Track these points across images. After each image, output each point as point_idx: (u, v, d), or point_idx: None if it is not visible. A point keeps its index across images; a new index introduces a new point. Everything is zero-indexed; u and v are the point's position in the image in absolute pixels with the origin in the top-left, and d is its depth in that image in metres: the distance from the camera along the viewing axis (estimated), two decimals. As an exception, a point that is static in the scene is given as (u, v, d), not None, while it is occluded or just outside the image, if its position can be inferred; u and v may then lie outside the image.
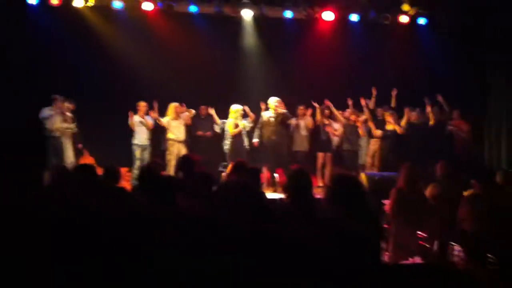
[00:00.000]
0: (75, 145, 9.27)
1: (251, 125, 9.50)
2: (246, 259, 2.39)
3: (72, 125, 9.22)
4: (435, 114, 9.83)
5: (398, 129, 9.48)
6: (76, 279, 2.82)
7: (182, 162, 5.89)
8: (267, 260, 2.42)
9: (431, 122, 9.71)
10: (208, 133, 10.11)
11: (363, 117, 9.89)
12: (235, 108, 9.28)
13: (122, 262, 2.95)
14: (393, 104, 10.20)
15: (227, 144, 9.37)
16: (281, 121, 9.28)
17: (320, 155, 10.02)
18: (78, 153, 9.31)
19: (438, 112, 9.87)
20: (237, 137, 9.23)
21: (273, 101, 9.28)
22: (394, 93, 10.14)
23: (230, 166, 6.25)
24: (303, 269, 2.63)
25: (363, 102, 9.87)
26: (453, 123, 9.95)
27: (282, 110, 9.20)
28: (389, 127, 9.61)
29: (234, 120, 9.23)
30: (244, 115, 9.49)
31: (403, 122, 9.60)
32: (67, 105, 9.24)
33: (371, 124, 9.76)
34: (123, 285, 2.82)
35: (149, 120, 9.43)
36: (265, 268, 2.39)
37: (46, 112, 9.00)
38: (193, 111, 9.90)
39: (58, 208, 3.68)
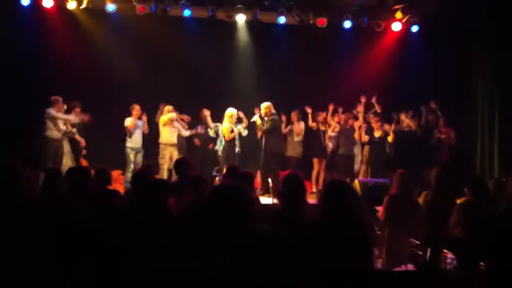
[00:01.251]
0: (75, 149, 9.11)
1: (246, 131, 9.21)
2: (238, 262, 2.39)
3: (74, 129, 9.02)
4: (427, 121, 9.96)
5: (390, 136, 9.53)
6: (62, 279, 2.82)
7: (177, 165, 5.89)
8: (257, 264, 2.42)
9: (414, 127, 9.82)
10: (198, 143, 10.02)
11: (359, 123, 9.93)
12: (230, 112, 9.00)
13: (110, 264, 2.94)
14: (378, 110, 10.28)
15: (220, 148, 9.06)
16: (269, 126, 9.04)
17: (316, 160, 9.96)
18: (76, 157, 9.10)
19: (434, 119, 10.00)
20: (230, 142, 8.93)
21: (261, 106, 9.14)
22: (374, 99, 10.29)
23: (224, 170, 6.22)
24: (294, 274, 2.62)
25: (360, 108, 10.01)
26: (442, 130, 9.98)
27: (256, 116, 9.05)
28: (377, 133, 9.64)
29: (230, 125, 8.97)
30: (238, 120, 9.28)
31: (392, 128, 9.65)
32: (77, 109, 9.07)
33: (362, 131, 9.80)
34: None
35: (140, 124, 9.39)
36: (255, 271, 2.39)
37: (52, 112, 8.75)
38: (187, 117, 9.89)
39: (47, 212, 3.67)
